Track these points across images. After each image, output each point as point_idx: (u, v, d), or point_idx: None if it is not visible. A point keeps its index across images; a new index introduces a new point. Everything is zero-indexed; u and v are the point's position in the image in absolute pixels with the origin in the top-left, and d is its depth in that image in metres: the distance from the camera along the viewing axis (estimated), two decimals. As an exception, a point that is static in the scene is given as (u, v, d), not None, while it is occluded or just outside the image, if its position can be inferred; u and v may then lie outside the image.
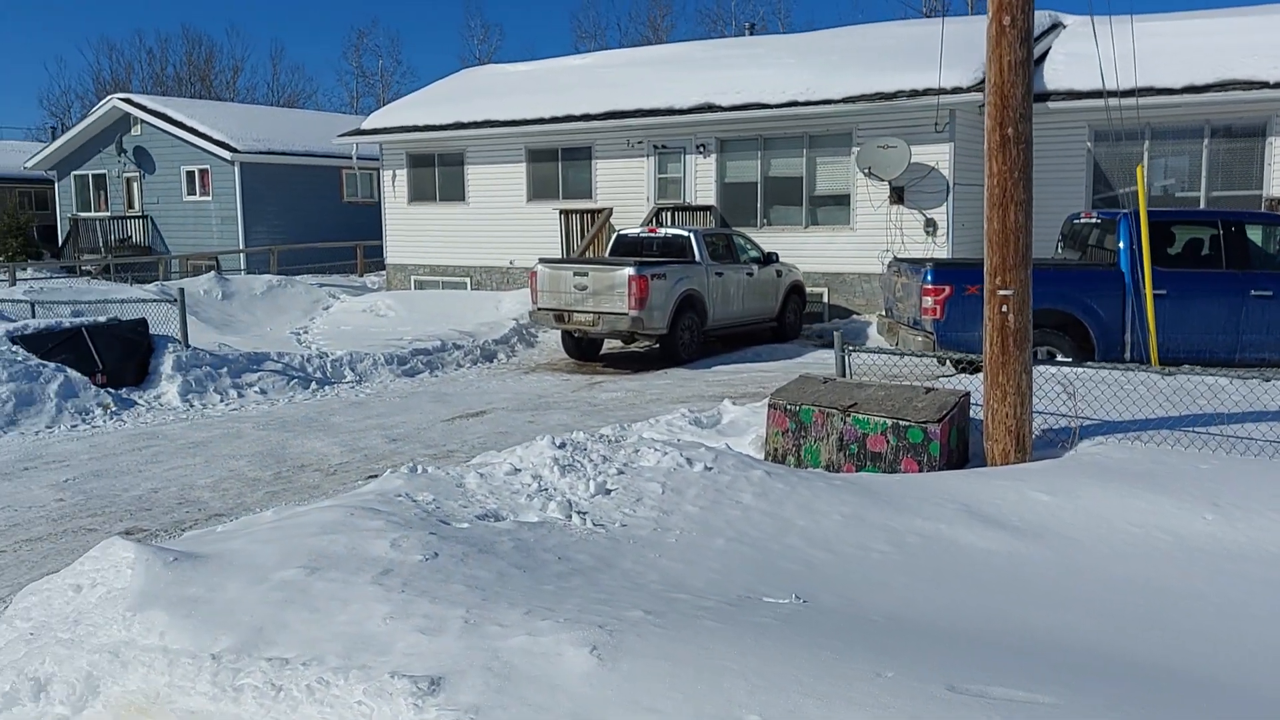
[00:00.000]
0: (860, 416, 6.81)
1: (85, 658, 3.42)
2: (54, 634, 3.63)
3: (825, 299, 17.20)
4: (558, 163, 19.84)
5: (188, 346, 12.06)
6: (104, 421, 10.33)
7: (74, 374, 10.81)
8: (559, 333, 15.99)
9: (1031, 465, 6.30)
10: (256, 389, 11.89)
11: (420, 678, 3.02)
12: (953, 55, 16.35)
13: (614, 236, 15.06)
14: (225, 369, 11.98)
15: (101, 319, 11.93)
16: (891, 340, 11.17)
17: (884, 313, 11.73)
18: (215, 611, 3.54)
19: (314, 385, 12.28)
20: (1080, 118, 16.25)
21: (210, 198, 28.73)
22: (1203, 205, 15.50)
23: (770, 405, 7.24)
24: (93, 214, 30.63)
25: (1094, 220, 11.28)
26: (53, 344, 11.20)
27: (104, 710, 3.26)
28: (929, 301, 10.06)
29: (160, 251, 29.53)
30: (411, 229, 21.90)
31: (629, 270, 12.81)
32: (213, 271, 20.62)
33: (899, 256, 11.92)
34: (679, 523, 4.90)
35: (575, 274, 13.23)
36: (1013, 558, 4.69)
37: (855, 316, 16.64)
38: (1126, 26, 17.75)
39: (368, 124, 22.17)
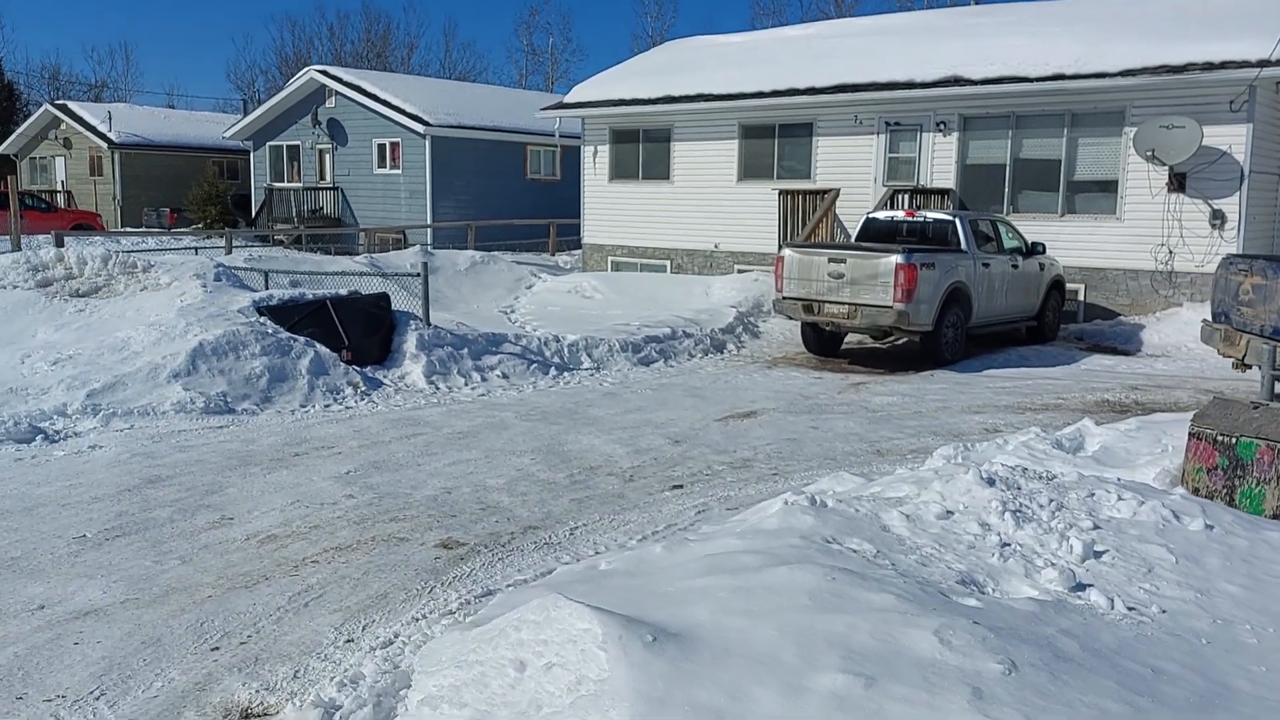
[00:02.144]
0: (1331, 456, 5.43)
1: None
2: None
3: (1081, 296, 15.50)
4: (774, 140, 18.63)
5: (430, 325, 11.44)
6: (355, 402, 9.76)
7: (323, 349, 10.30)
8: (786, 324, 14.89)
9: None
10: (498, 372, 11.18)
11: None
12: (1245, 23, 14.41)
13: (863, 220, 13.78)
14: (466, 349, 11.32)
15: (342, 292, 11.44)
16: (1230, 351, 9.58)
17: (1213, 319, 10.12)
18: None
19: (553, 371, 11.51)
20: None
21: (400, 171, 28.71)
22: None
23: (1193, 435, 5.91)
24: (286, 184, 31.11)
25: None
26: (298, 317, 10.73)
27: None
28: (1302, 308, 8.47)
29: (349, 223, 29.78)
30: (611, 208, 21.10)
31: (896, 258, 11.54)
32: (419, 246, 20.27)
33: (1239, 254, 10.29)
34: (1231, 609, 3.69)
35: (831, 260, 12.04)
36: None
37: (1121, 318, 14.90)
38: None
39: (571, 98, 21.43)
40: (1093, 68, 14.79)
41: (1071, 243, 15.35)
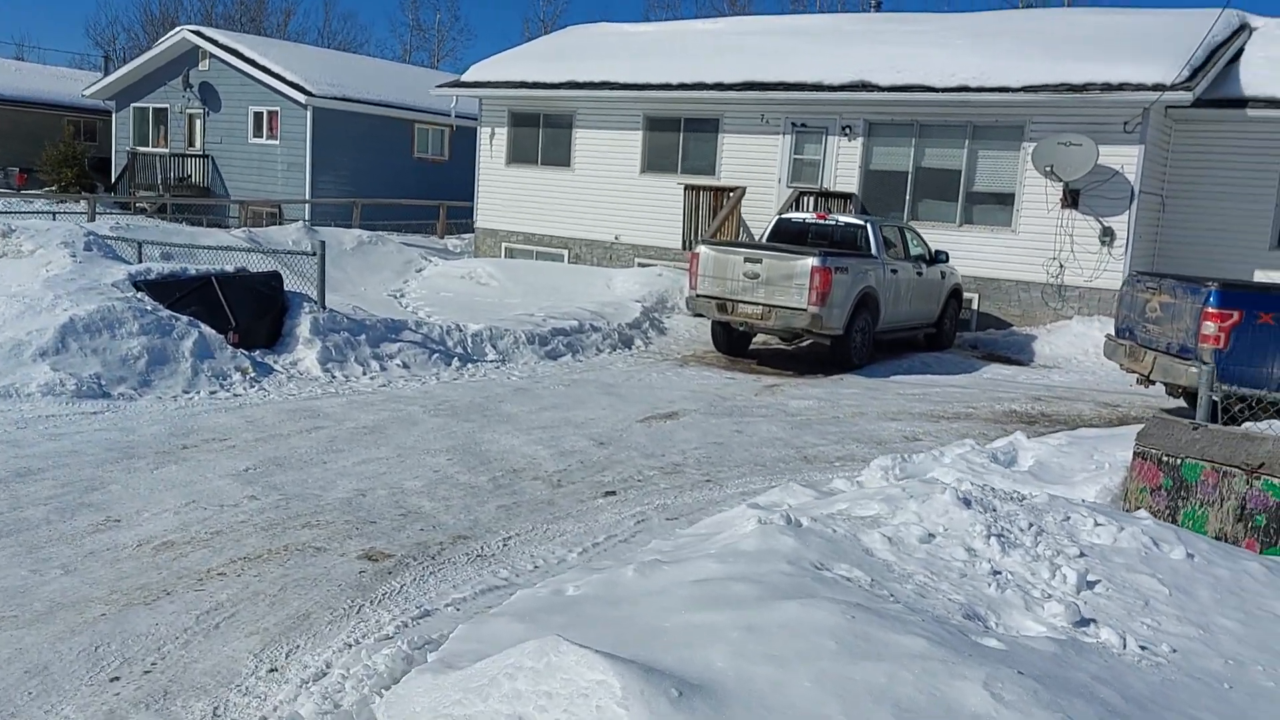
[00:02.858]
0: (1277, 481, 5.47)
1: None
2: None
3: (975, 305, 15.80)
4: (679, 134, 18.39)
5: (325, 308, 10.71)
6: (245, 389, 9.01)
7: (208, 331, 9.48)
8: (692, 321, 14.68)
9: None
10: (398, 362, 10.56)
11: None
12: (1142, 49, 14.94)
13: (775, 220, 13.65)
14: (364, 336, 10.65)
15: (229, 269, 10.60)
16: (1135, 367, 9.80)
17: (1117, 334, 10.35)
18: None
19: (456, 362, 10.95)
20: (1278, 129, 14.79)
21: (278, 141, 27.29)
22: None
23: (1138, 454, 5.89)
24: (151, 149, 29.21)
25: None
26: (180, 294, 9.88)
27: None
28: (1211, 328, 8.69)
29: (219, 194, 28.16)
30: (507, 193, 20.49)
31: (812, 260, 11.43)
32: (301, 223, 19.21)
33: (1149, 271, 10.53)
34: (1235, 648, 3.56)
35: (746, 260, 11.85)
36: None
37: (1014, 329, 15.24)
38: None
39: (468, 76, 20.70)
40: (996, 82, 15.05)
41: (968, 253, 15.61)
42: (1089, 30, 16.14)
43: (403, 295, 16.42)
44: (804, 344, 13.43)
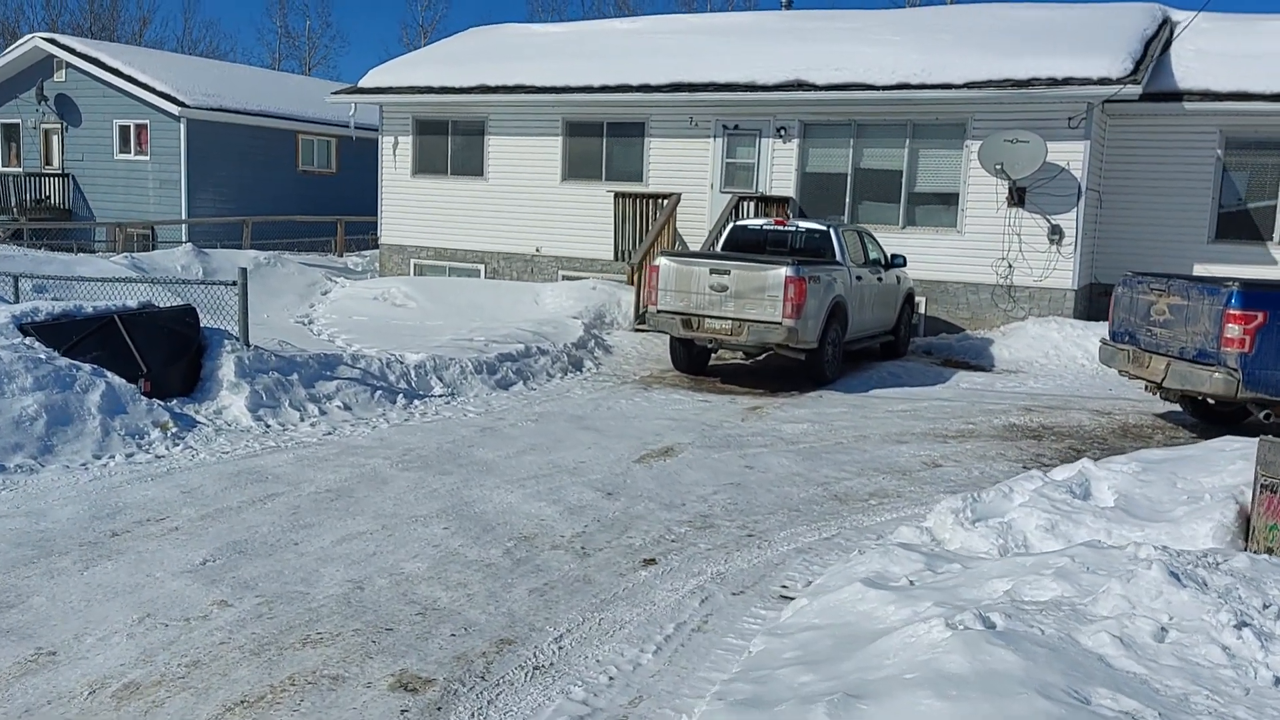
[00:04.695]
0: None
1: None
2: None
3: (923, 310, 15.31)
4: (602, 139, 17.40)
5: (249, 346, 9.31)
6: (168, 449, 7.60)
7: (116, 380, 8.01)
8: (636, 337, 13.73)
9: None
10: (338, 403, 9.26)
11: None
12: (1085, 43, 14.72)
13: (730, 227, 12.80)
14: (296, 375, 9.30)
15: (132, 304, 9.09)
16: (1142, 373, 9.28)
17: (1113, 338, 9.84)
18: None
19: (401, 399, 9.70)
20: (1212, 122, 14.77)
21: (148, 157, 25.11)
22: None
23: (1266, 487, 5.21)
24: (2, 169, 26.54)
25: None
26: (78, 337, 8.36)
27: None
28: (1235, 331, 8.20)
29: (83, 216, 25.75)
30: (415, 205, 19.12)
31: (785, 270, 10.61)
32: (189, 245, 17.43)
33: (1146, 271, 10.05)
34: None
35: (713, 271, 10.94)
36: None
37: (967, 333, 14.78)
38: (1249, 25, 16.50)
39: (367, 82, 19.23)
40: (937, 78, 14.59)
41: (913, 255, 15.06)
42: (1025, 25, 15.88)
43: (311, 321, 14.97)
44: (761, 358, 12.62)
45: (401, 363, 10.41)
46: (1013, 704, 2.81)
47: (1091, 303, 15.25)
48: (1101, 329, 12.98)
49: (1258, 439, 5.58)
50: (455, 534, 5.94)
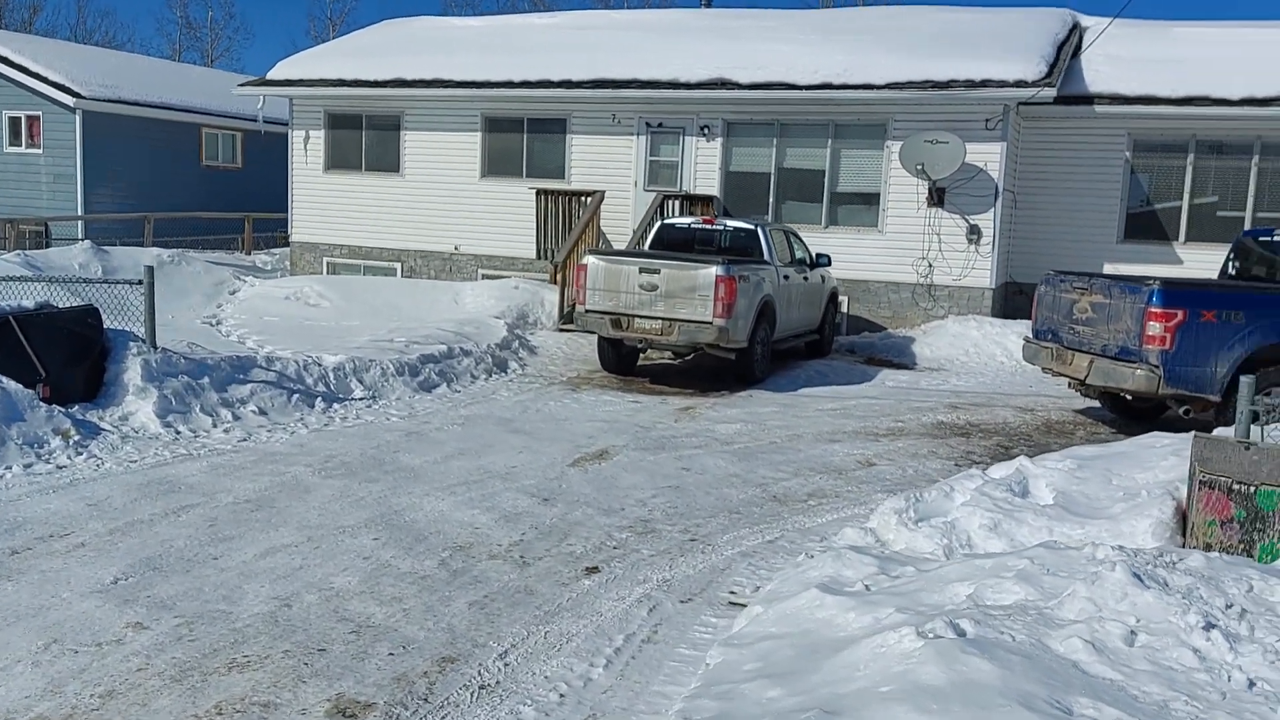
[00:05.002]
0: (1367, 506, 4.94)
1: None
2: None
3: (845, 309, 15.40)
4: (523, 135, 17.11)
5: (156, 347, 8.82)
6: (70, 458, 7.12)
7: (12, 385, 7.48)
8: (560, 337, 13.51)
9: None
10: (252, 407, 8.83)
11: None
12: (1003, 46, 14.99)
13: (657, 226, 12.66)
14: (207, 379, 8.84)
15: (28, 304, 8.52)
16: (1066, 370, 9.42)
17: (1037, 336, 9.98)
18: None
19: (320, 402, 9.31)
20: (1121, 125, 15.19)
21: (40, 150, 23.87)
22: (1247, 224, 14.74)
23: (1205, 484, 5.26)
24: (-121, 161, 24.95)
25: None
26: (-32, 341, 7.79)
27: None
28: (1156, 328, 8.36)
29: (-32, 211, 24.37)
30: (327, 202, 18.54)
31: (716, 269, 10.51)
32: (88, 242, 16.58)
33: (1068, 270, 10.20)
34: None
35: (642, 270, 10.78)
36: None
37: (888, 331, 14.92)
38: (1160, 31, 17.01)
39: (276, 74, 18.59)
40: (859, 79, 14.69)
41: (835, 255, 15.05)
42: (946, 27, 16.11)
43: (220, 322, 14.41)
44: (690, 358, 12.51)
45: (319, 365, 10.00)
46: (996, 717, 2.71)
47: (1007, 301, 15.56)
48: (1019, 327, 13.25)
49: (1191, 435, 5.65)
50: (386, 545, 5.65)
